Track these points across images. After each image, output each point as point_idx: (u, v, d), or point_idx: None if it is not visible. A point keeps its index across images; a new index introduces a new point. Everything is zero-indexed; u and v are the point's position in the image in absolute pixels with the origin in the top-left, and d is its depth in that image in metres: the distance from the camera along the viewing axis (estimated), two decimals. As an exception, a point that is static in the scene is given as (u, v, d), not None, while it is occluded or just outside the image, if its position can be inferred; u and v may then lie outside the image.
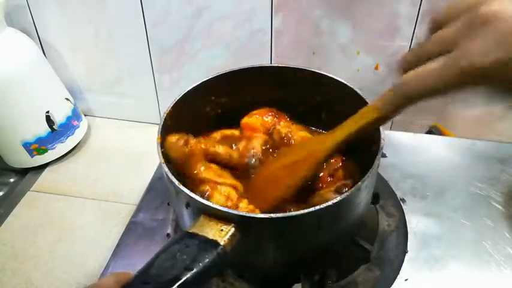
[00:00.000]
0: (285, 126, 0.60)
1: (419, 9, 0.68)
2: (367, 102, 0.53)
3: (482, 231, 0.58)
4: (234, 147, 0.58)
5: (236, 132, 0.61)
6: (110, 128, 0.92)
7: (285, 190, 0.49)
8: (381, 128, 0.49)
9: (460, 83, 0.33)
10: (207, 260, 0.38)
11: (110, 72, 0.86)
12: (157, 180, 0.69)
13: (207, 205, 0.43)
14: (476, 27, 0.32)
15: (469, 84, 0.33)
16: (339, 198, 0.42)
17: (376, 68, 0.76)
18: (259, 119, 0.61)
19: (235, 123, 0.64)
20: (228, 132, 0.61)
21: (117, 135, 0.91)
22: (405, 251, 0.56)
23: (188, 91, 0.57)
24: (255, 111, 0.62)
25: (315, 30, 0.74)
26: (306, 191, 0.52)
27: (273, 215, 0.41)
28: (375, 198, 0.62)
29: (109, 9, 0.77)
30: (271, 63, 0.78)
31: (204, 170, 0.53)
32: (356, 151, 0.51)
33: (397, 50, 0.74)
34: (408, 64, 0.37)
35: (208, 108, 0.63)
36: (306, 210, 0.41)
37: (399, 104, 0.38)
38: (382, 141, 0.48)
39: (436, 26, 0.36)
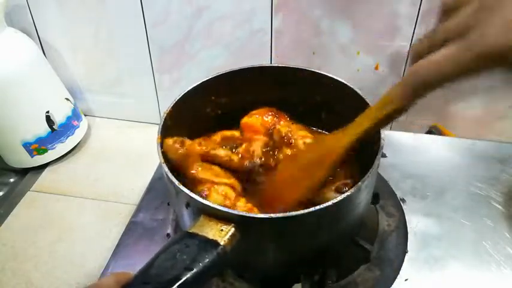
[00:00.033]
0: (285, 126, 0.60)
1: (419, 9, 0.68)
2: (367, 102, 0.53)
3: (482, 231, 0.58)
4: (234, 149, 0.58)
5: (236, 133, 0.61)
6: (110, 128, 0.92)
7: (303, 192, 0.49)
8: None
9: (476, 67, 0.33)
10: (207, 260, 0.38)
11: (110, 72, 0.86)
12: (157, 180, 0.69)
13: (207, 205, 0.43)
14: (490, 9, 0.31)
15: (485, 67, 0.33)
16: (339, 198, 0.42)
17: (376, 68, 0.76)
18: (259, 119, 0.61)
19: (235, 123, 0.63)
20: (228, 133, 0.61)
21: (117, 135, 0.91)
22: (405, 251, 0.56)
23: (188, 91, 0.57)
24: (255, 111, 0.62)
25: (315, 30, 0.74)
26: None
27: (273, 215, 0.41)
28: (375, 198, 0.62)
29: (109, 9, 0.77)
30: (271, 63, 0.78)
31: (201, 170, 0.53)
32: (356, 151, 0.51)
33: (397, 50, 0.74)
34: (420, 53, 0.36)
35: (208, 108, 0.63)
36: (306, 210, 0.41)
37: (414, 94, 0.37)
38: (382, 141, 0.48)
39: (447, 11, 0.35)
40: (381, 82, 0.77)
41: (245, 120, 0.62)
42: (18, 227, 0.71)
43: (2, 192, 0.80)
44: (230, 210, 0.42)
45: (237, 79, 0.61)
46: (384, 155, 0.68)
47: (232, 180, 0.53)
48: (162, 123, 0.53)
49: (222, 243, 0.40)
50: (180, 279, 0.36)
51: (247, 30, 0.75)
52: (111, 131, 0.91)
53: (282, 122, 0.60)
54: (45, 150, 0.80)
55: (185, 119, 0.57)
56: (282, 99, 0.63)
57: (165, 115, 0.54)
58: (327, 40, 0.75)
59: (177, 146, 0.54)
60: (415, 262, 0.55)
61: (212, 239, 0.40)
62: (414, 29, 0.71)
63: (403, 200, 0.63)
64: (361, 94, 0.54)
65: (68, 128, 0.82)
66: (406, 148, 0.71)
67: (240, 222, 0.42)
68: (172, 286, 0.36)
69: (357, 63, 0.77)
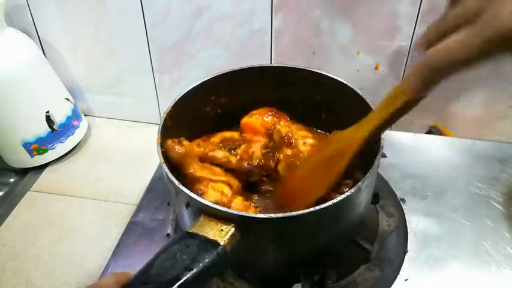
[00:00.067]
0: (285, 126, 0.60)
1: (419, 9, 0.68)
2: (367, 102, 0.53)
3: (482, 231, 0.58)
4: (233, 150, 0.58)
5: (236, 134, 0.61)
6: (110, 128, 0.92)
7: (324, 188, 0.49)
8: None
9: (488, 51, 0.32)
10: (207, 260, 0.38)
11: (110, 72, 0.86)
12: (157, 180, 0.69)
13: (207, 205, 0.43)
14: None
15: (497, 51, 0.32)
16: (339, 198, 0.42)
17: (376, 68, 0.76)
18: (259, 119, 0.61)
19: (235, 123, 0.64)
20: (227, 134, 0.61)
21: (117, 135, 0.91)
22: (405, 251, 0.56)
23: (188, 91, 0.57)
24: (255, 111, 0.62)
25: (315, 30, 0.74)
26: None
27: (273, 215, 0.41)
28: (375, 198, 0.62)
29: (109, 9, 0.77)
30: (271, 63, 0.78)
31: (199, 169, 0.54)
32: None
33: (397, 50, 0.74)
34: (430, 41, 0.36)
35: (208, 108, 0.63)
36: (306, 210, 0.41)
37: (426, 83, 0.37)
38: (382, 141, 0.48)
39: None
40: (381, 82, 0.77)
41: (245, 120, 0.62)
42: (18, 227, 0.71)
43: (2, 192, 0.80)
44: (230, 210, 0.42)
45: (237, 79, 0.61)
46: (384, 155, 0.68)
47: (228, 178, 0.54)
48: (162, 123, 0.53)
49: (222, 243, 0.40)
50: (180, 279, 0.36)
51: (247, 30, 0.75)
52: (111, 131, 0.91)
53: (282, 122, 0.60)
54: (45, 150, 0.80)
55: (185, 119, 0.57)
56: (282, 99, 0.63)
57: (165, 115, 0.54)
58: (327, 40, 0.75)
59: (177, 146, 0.54)
60: (415, 262, 0.55)
61: (212, 239, 0.40)
62: (414, 29, 0.71)
63: (403, 200, 0.63)
64: (361, 94, 0.54)
65: (68, 128, 0.82)
66: (406, 148, 0.71)
67: (240, 222, 0.42)
68: (172, 286, 0.36)
69: (357, 63, 0.77)
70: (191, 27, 0.76)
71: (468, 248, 0.57)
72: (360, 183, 0.44)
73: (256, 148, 0.57)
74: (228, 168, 0.56)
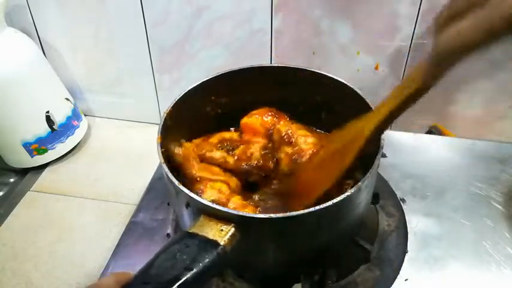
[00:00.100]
0: (284, 125, 0.60)
1: (419, 9, 0.68)
2: (367, 102, 0.53)
3: (482, 231, 0.58)
4: (231, 150, 0.58)
5: (235, 135, 0.61)
6: (110, 128, 0.92)
7: (333, 179, 0.48)
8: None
9: (501, 32, 0.32)
10: (207, 260, 0.38)
11: (110, 72, 0.86)
12: (157, 180, 0.69)
13: (207, 205, 0.43)
14: None
15: (507, 34, 0.32)
16: (339, 198, 0.42)
17: (376, 68, 0.76)
18: (259, 119, 0.61)
19: (235, 123, 0.64)
20: (227, 135, 0.61)
21: (117, 135, 0.91)
22: (405, 251, 0.56)
23: (188, 91, 0.57)
24: (254, 111, 0.62)
25: (315, 30, 0.74)
26: None
27: (272, 215, 0.41)
28: (375, 198, 0.62)
29: (109, 9, 0.77)
30: (271, 63, 0.78)
31: (199, 170, 0.54)
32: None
33: (397, 50, 0.74)
34: (441, 25, 0.36)
35: (208, 108, 0.63)
36: (306, 210, 0.41)
37: (439, 68, 0.37)
38: (382, 141, 0.48)
39: None
40: (380, 82, 0.77)
41: (245, 120, 0.62)
42: (18, 227, 0.71)
43: (2, 192, 0.80)
44: (230, 210, 0.42)
45: (237, 79, 0.61)
46: (384, 155, 0.68)
47: (227, 178, 0.54)
48: (162, 123, 0.53)
49: (222, 243, 0.40)
50: (180, 279, 0.36)
51: (247, 30, 0.75)
52: (111, 131, 0.91)
53: (281, 122, 0.60)
54: (45, 150, 0.80)
55: (185, 119, 0.57)
56: (282, 99, 0.63)
57: (165, 115, 0.54)
58: (327, 40, 0.75)
59: (177, 148, 0.55)
60: (415, 262, 0.55)
61: (212, 239, 0.40)
62: (414, 29, 0.71)
63: (403, 200, 0.63)
64: (361, 94, 0.54)
65: (68, 128, 0.82)
66: (406, 148, 0.71)
67: (240, 222, 0.42)
68: (172, 286, 0.36)
69: (357, 63, 0.77)
70: (191, 27, 0.76)
71: (468, 248, 0.57)
72: (360, 183, 0.44)
73: (255, 149, 0.57)
74: (226, 169, 0.56)
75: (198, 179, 0.53)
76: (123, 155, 0.85)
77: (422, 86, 0.39)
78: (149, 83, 0.86)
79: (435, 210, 0.61)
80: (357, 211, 0.49)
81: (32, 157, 0.80)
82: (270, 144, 0.59)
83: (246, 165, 0.56)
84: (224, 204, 0.50)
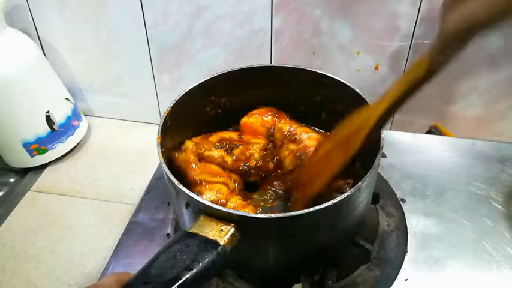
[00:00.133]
0: (286, 123, 0.60)
1: (419, 9, 0.68)
2: (367, 102, 0.53)
3: (482, 231, 0.58)
4: (230, 150, 0.58)
5: (234, 135, 0.61)
6: (110, 128, 0.92)
7: (339, 166, 0.48)
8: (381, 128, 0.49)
9: (505, 12, 0.33)
10: (207, 260, 0.38)
11: (110, 72, 0.86)
12: (157, 180, 0.69)
13: (207, 205, 0.43)
14: None
15: None
16: (339, 198, 0.42)
17: (376, 68, 0.76)
18: (259, 119, 0.61)
19: (235, 123, 0.64)
20: (226, 134, 0.61)
21: (117, 135, 0.91)
22: (405, 251, 0.56)
23: (188, 91, 0.57)
24: (254, 111, 0.62)
25: (315, 30, 0.74)
26: None
27: (273, 215, 0.41)
28: (375, 198, 0.62)
29: (109, 9, 0.77)
30: (271, 63, 0.78)
31: (199, 173, 0.54)
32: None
33: (397, 50, 0.74)
34: (448, 8, 0.36)
35: (208, 108, 0.63)
36: (306, 210, 0.41)
37: (445, 52, 0.37)
38: (382, 141, 0.48)
39: None
40: (381, 82, 0.77)
41: (245, 120, 0.62)
42: (18, 227, 0.71)
43: (2, 192, 0.80)
44: (230, 210, 0.42)
45: (237, 79, 0.61)
46: (384, 155, 0.68)
47: (226, 178, 0.54)
48: (162, 123, 0.53)
49: (222, 243, 0.40)
50: (180, 279, 0.36)
51: (247, 30, 0.75)
52: (111, 131, 0.91)
53: (282, 122, 0.60)
54: (45, 150, 0.80)
55: (185, 119, 0.57)
56: (282, 99, 0.63)
57: (165, 115, 0.54)
58: (327, 40, 0.75)
59: (177, 152, 0.55)
60: (415, 262, 0.55)
61: (212, 239, 0.40)
62: (414, 29, 0.71)
63: (403, 200, 0.63)
64: (361, 94, 0.54)
65: (68, 128, 0.82)
66: (406, 148, 0.71)
67: (240, 222, 0.42)
68: (172, 286, 0.36)
69: (357, 63, 0.77)
70: (191, 27, 0.76)
71: (468, 248, 0.57)
72: (360, 183, 0.44)
73: (255, 150, 0.57)
74: (223, 168, 0.56)
75: (198, 181, 0.53)
76: (123, 155, 0.85)
77: (429, 70, 0.39)
78: (149, 83, 0.86)
79: (435, 210, 0.61)
80: (357, 211, 0.49)
81: (32, 157, 0.80)
82: (269, 145, 0.58)
83: (245, 166, 0.56)
84: (223, 205, 0.50)
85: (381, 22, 0.71)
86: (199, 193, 0.51)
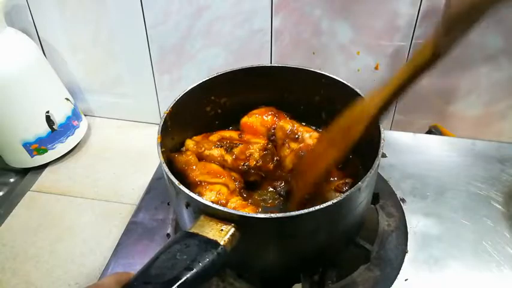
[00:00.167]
0: (287, 122, 0.60)
1: (419, 9, 0.68)
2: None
3: (482, 231, 0.58)
4: (230, 149, 0.58)
5: (234, 134, 0.61)
6: (110, 128, 0.92)
7: (340, 153, 0.48)
8: (381, 128, 0.49)
9: None
10: (207, 260, 0.38)
11: (110, 72, 0.86)
12: (157, 180, 0.69)
13: (207, 205, 0.43)
14: None
15: None
16: (339, 198, 0.42)
17: (376, 68, 0.76)
18: (259, 119, 0.61)
19: (235, 123, 0.64)
20: (226, 134, 0.61)
21: (117, 135, 0.91)
22: (405, 251, 0.56)
23: (188, 91, 0.57)
24: (254, 111, 0.62)
25: (315, 30, 0.74)
26: None
27: (273, 215, 0.41)
28: (375, 198, 0.62)
29: (109, 9, 0.77)
30: (271, 63, 0.78)
31: (199, 174, 0.54)
32: (357, 151, 0.51)
33: (397, 50, 0.74)
34: None
35: (208, 108, 0.63)
36: (306, 210, 0.41)
37: (450, 34, 0.37)
38: (382, 141, 0.48)
39: None
40: (381, 82, 0.77)
41: (245, 119, 0.62)
42: (18, 227, 0.71)
43: (2, 192, 0.80)
44: (230, 210, 0.42)
45: (237, 79, 0.61)
46: (384, 155, 0.68)
47: (226, 179, 0.54)
48: (162, 123, 0.53)
49: (222, 243, 0.40)
50: (180, 279, 0.36)
51: (247, 30, 0.75)
52: (111, 131, 0.91)
53: (282, 121, 0.60)
54: (45, 150, 0.80)
55: (185, 119, 0.57)
56: (282, 99, 0.63)
57: (165, 115, 0.54)
58: (327, 40, 0.75)
59: (177, 155, 0.55)
60: (415, 262, 0.55)
61: (212, 239, 0.40)
62: (414, 29, 0.71)
63: (403, 200, 0.63)
64: (362, 94, 0.54)
65: (68, 128, 0.83)
66: (406, 148, 0.71)
67: (240, 222, 0.42)
68: (172, 286, 0.36)
69: (357, 63, 0.77)
70: (191, 27, 0.76)
71: (468, 248, 0.57)
72: (360, 183, 0.44)
73: (255, 149, 0.57)
74: (223, 167, 0.56)
75: (199, 182, 0.53)
76: (123, 155, 0.85)
77: (434, 53, 0.39)
78: (149, 83, 0.86)
79: (435, 210, 0.61)
80: (357, 211, 0.49)
81: (32, 157, 0.80)
82: (269, 145, 0.58)
83: (245, 165, 0.56)
84: (224, 206, 0.50)
85: (380, 22, 0.71)
86: (200, 194, 0.51)
